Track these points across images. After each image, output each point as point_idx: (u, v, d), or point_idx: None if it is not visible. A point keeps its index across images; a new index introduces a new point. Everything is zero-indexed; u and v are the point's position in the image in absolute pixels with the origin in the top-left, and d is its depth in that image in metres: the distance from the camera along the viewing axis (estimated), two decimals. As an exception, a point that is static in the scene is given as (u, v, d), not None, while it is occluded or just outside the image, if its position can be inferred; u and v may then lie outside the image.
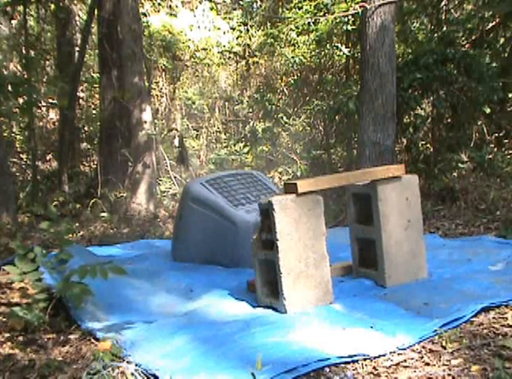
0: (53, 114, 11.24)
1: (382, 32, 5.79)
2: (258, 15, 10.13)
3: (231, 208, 4.28)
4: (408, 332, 2.61)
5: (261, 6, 10.69)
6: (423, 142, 7.40)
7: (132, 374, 2.32)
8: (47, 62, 11.09)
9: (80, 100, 10.72)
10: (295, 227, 3.08)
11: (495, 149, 7.51)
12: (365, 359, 2.42)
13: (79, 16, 10.66)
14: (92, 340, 2.84)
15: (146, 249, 5.28)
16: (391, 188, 3.43)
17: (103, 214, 7.30)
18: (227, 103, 11.49)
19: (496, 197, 5.80)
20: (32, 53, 9.59)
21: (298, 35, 8.40)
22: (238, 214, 4.23)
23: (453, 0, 8.90)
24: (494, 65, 7.30)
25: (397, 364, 2.37)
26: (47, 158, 10.69)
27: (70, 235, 5.92)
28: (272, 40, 8.97)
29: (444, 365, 2.32)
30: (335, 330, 2.71)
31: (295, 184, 3.09)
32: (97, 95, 9.81)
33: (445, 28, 8.06)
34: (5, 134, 9.24)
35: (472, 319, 2.78)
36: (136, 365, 2.41)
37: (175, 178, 8.64)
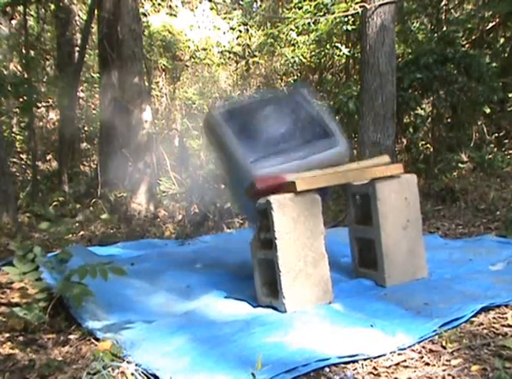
0: (53, 114, 11.24)
1: (382, 32, 5.79)
2: (258, 15, 10.12)
3: (250, 164, 3.26)
4: (408, 332, 2.61)
5: (261, 6, 10.71)
6: (423, 142, 7.41)
7: (132, 374, 2.32)
8: (47, 62, 11.10)
9: (80, 100, 10.72)
10: (294, 226, 3.07)
11: (495, 149, 7.51)
12: (365, 359, 2.41)
13: (79, 16, 10.66)
14: (92, 340, 2.84)
15: (146, 249, 5.27)
16: (390, 188, 3.42)
17: (103, 214, 7.30)
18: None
19: (496, 197, 5.80)
20: (32, 53, 9.59)
21: (298, 35, 8.40)
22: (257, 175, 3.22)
23: (453, 0, 8.90)
24: (494, 65, 7.30)
25: (397, 364, 2.37)
26: (47, 158, 10.70)
27: (70, 235, 5.93)
28: (272, 40, 8.97)
29: (444, 365, 2.32)
30: (335, 330, 2.70)
31: (294, 182, 3.08)
32: (97, 95, 9.80)
33: (445, 28, 8.07)
34: (5, 134, 9.24)
35: (472, 319, 2.77)
36: (136, 365, 2.40)
37: (174, 178, 8.63)
